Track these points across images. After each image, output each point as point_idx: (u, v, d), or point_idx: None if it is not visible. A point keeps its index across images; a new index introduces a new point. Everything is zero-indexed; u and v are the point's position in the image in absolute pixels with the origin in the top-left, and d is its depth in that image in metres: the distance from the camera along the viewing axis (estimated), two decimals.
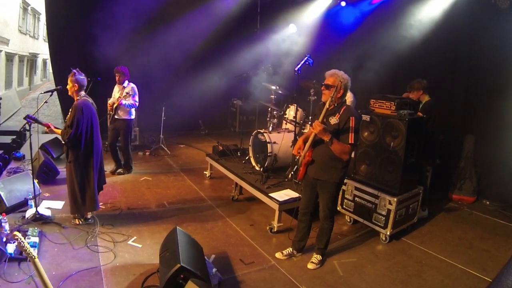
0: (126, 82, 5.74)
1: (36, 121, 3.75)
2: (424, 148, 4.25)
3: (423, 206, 4.58)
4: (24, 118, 3.71)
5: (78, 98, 3.77)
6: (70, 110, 3.73)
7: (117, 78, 5.71)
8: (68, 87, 3.78)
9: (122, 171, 5.83)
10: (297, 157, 3.47)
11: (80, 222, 3.98)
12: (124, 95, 5.53)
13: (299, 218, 3.63)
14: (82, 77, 3.79)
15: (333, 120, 3.20)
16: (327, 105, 3.13)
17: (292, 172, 4.74)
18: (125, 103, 5.56)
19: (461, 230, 4.47)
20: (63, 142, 3.84)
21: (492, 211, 5.03)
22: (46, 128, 3.78)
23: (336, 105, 3.23)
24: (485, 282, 3.32)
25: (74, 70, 3.78)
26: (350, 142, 3.12)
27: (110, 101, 5.79)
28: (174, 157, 7.03)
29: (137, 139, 7.35)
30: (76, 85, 3.74)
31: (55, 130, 3.79)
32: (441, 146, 5.34)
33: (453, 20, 5.44)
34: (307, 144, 3.28)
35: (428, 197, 4.75)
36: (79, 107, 3.67)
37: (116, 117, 5.69)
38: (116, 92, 5.78)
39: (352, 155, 4.43)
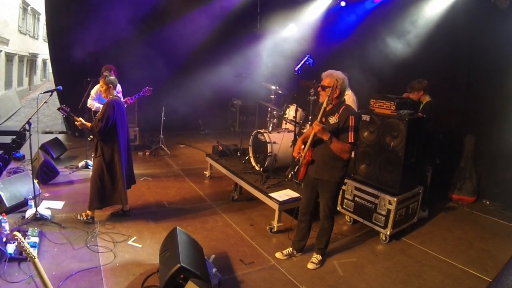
0: None
1: (69, 114, 4.01)
2: (424, 148, 4.25)
3: (423, 206, 4.57)
4: (58, 109, 4.03)
5: (110, 96, 4.01)
6: (102, 106, 4.00)
7: None
8: (102, 89, 4.03)
9: None
10: (298, 157, 3.47)
11: (83, 218, 4.00)
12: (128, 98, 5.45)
13: (299, 218, 3.63)
14: (113, 77, 4.06)
15: (333, 120, 3.22)
16: (324, 105, 3.15)
17: (292, 172, 4.74)
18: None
19: (461, 230, 4.47)
20: (89, 138, 4.19)
21: (492, 211, 5.03)
22: (76, 122, 3.95)
23: (334, 105, 3.24)
24: (485, 282, 3.32)
25: (106, 73, 4.15)
26: (350, 141, 3.13)
27: (96, 104, 5.32)
28: (174, 157, 7.03)
29: (137, 139, 7.34)
30: (111, 85, 4.00)
31: (86, 123, 3.97)
32: (441, 146, 5.34)
33: (453, 20, 5.44)
34: (307, 144, 3.28)
35: (428, 197, 4.75)
36: (111, 104, 3.91)
37: None
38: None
39: (352, 154, 4.45)
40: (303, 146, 3.39)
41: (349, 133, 3.13)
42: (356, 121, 3.16)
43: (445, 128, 5.39)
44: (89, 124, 3.97)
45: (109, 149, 3.97)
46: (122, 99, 5.43)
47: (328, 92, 3.08)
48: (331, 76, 3.20)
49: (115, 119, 3.90)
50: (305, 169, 3.40)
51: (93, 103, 5.37)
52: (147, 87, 5.58)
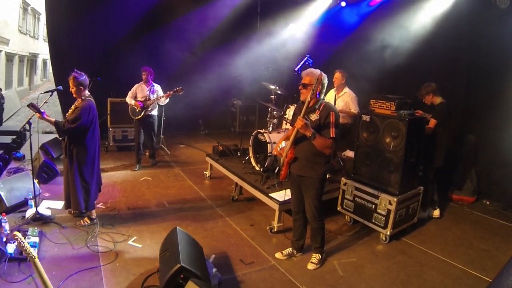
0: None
1: (37, 109, 3.62)
2: (429, 150, 4.23)
3: (424, 207, 4.56)
4: (28, 106, 3.66)
5: (83, 98, 3.80)
6: (74, 108, 3.77)
7: (144, 77, 5.99)
8: (72, 90, 3.76)
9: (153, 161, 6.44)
10: (278, 156, 3.48)
11: (87, 223, 3.97)
12: (164, 95, 5.92)
13: (293, 217, 3.64)
14: (83, 77, 3.79)
15: (314, 117, 3.25)
16: (308, 99, 3.17)
17: None
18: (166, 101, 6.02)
19: (461, 230, 4.47)
20: (61, 137, 3.86)
21: (492, 211, 5.03)
22: (38, 115, 3.63)
23: (315, 102, 3.28)
24: (485, 282, 3.33)
25: (74, 73, 3.75)
26: (331, 136, 3.17)
27: (132, 101, 5.95)
28: (174, 157, 7.03)
29: None
30: (81, 87, 3.76)
31: (47, 118, 3.65)
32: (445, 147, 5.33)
33: (453, 20, 5.44)
34: (289, 142, 3.31)
35: (430, 198, 4.73)
36: (86, 108, 3.71)
37: (149, 113, 6.00)
38: (144, 90, 6.02)
39: (352, 155, 4.45)
40: (283, 145, 3.39)
41: (331, 129, 3.17)
42: (336, 117, 3.21)
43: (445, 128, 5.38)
44: (52, 120, 3.67)
45: (84, 151, 3.78)
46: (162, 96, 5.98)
47: (310, 90, 3.13)
48: (311, 74, 3.26)
49: (91, 121, 3.74)
50: (287, 168, 3.41)
51: (129, 101, 6.00)
52: (179, 88, 5.88)
